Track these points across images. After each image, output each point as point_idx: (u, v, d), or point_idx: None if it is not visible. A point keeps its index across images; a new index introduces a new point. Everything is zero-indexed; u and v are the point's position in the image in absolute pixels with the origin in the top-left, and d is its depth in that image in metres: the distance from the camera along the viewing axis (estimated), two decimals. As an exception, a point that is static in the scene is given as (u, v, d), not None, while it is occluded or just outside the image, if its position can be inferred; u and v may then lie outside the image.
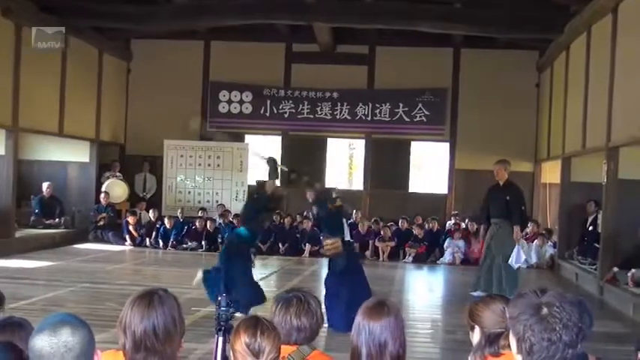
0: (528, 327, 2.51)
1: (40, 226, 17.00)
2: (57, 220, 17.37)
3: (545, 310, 2.51)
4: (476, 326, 3.51)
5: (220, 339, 4.22)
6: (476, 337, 3.50)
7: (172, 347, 2.98)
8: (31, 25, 14.91)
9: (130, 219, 17.43)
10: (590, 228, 14.53)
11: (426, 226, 17.50)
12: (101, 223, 17.58)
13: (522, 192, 12.20)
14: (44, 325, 2.41)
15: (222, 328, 4.25)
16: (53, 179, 17.76)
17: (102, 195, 17.83)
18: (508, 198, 11.48)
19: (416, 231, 17.13)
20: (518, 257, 11.20)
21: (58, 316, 2.48)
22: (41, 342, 2.36)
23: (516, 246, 11.23)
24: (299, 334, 3.46)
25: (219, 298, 4.37)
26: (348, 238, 9.80)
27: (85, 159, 18.39)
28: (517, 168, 18.95)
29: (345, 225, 9.87)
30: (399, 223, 17.56)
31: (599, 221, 13.29)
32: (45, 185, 17.39)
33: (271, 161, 10.24)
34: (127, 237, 17.30)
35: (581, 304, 2.60)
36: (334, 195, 9.88)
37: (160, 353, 2.94)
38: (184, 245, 16.97)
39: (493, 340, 3.46)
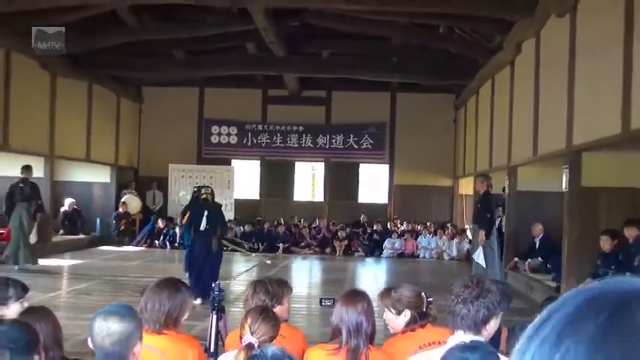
0: (454, 293, 2.55)
1: (67, 233, 16.53)
2: (78, 228, 16.87)
3: (471, 281, 2.54)
4: (406, 310, 3.50)
5: (214, 316, 4.22)
6: (405, 318, 3.49)
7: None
8: (64, 75, 14.74)
9: (160, 223, 17.21)
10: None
11: (369, 230, 17.65)
12: (122, 227, 17.27)
13: (491, 201, 10.55)
14: (103, 310, 2.40)
15: (216, 307, 4.26)
16: (81, 196, 17.46)
17: (120, 204, 17.52)
18: (479, 206, 10.61)
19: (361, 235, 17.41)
20: (478, 256, 10.21)
21: (115, 306, 2.45)
22: (94, 322, 2.36)
23: (479, 247, 10.28)
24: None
25: (213, 285, 4.38)
26: (203, 227, 9.21)
27: (107, 180, 18.12)
28: (440, 183, 19.27)
29: (205, 217, 9.19)
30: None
31: (504, 222, 13.45)
32: (67, 201, 16.86)
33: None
34: (145, 240, 17.11)
35: (505, 291, 2.64)
36: (202, 192, 9.39)
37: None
38: (186, 246, 16.75)
39: (425, 314, 3.51)
